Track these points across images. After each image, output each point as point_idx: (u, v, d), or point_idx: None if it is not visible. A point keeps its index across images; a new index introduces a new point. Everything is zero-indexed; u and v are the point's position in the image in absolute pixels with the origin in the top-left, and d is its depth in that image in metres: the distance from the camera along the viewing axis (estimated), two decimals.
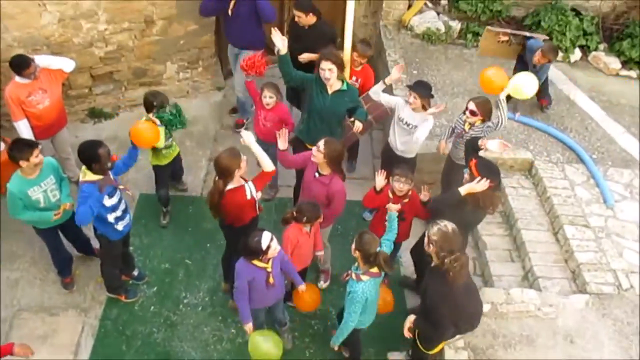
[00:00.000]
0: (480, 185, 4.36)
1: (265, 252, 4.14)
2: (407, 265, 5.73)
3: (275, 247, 4.18)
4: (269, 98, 5.60)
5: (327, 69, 5.07)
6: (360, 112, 5.38)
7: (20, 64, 5.20)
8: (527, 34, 6.91)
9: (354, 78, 6.04)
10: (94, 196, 4.45)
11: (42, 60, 5.36)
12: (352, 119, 5.33)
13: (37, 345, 4.90)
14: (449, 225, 3.89)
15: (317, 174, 4.81)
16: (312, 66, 5.65)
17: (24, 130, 5.42)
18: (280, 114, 5.72)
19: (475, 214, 4.67)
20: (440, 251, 3.85)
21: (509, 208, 6.03)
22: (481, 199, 4.45)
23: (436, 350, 4.43)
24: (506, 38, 6.73)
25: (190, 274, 5.66)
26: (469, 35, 7.98)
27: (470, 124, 5.26)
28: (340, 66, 5.16)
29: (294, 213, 4.63)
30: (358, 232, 4.20)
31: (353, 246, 4.16)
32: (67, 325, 5.12)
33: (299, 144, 5.63)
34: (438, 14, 8.14)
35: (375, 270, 4.16)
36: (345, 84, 5.28)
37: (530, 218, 5.91)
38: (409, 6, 8.02)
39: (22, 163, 4.54)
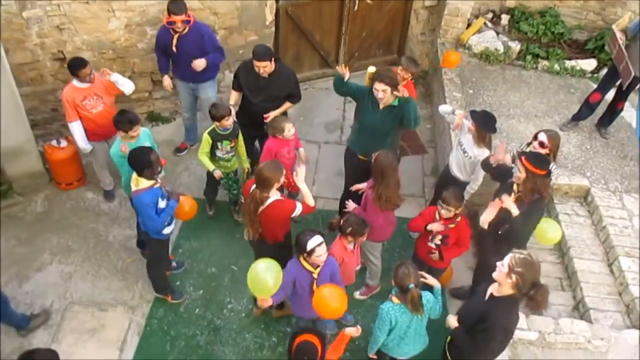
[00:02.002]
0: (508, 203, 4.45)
1: (309, 253, 4.18)
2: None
3: (321, 254, 4.20)
4: (293, 129, 5.46)
5: (381, 90, 5.00)
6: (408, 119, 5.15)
7: (77, 65, 5.43)
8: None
9: None
10: (158, 200, 4.67)
11: (114, 77, 5.56)
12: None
13: (85, 338, 5.11)
14: (533, 255, 3.60)
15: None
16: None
17: (77, 131, 5.66)
18: (296, 136, 5.64)
19: (542, 207, 4.70)
20: (522, 283, 3.53)
21: (561, 235, 5.86)
22: (542, 190, 4.47)
23: None
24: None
25: (235, 279, 5.73)
26: (528, 57, 7.82)
27: None
28: (394, 86, 5.04)
29: (341, 221, 4.65)
30: (397, 263, 4.16)
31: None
32: (115, 321, 5.27)
33: (350, 154, 5.66)
34: (497, 33, 8.03)
35: None
36: (397, 99, 5.16)
37: (584, 247, 5.73)
38: (468, 25, 7.95)
39: (119, 133, 5.05)
